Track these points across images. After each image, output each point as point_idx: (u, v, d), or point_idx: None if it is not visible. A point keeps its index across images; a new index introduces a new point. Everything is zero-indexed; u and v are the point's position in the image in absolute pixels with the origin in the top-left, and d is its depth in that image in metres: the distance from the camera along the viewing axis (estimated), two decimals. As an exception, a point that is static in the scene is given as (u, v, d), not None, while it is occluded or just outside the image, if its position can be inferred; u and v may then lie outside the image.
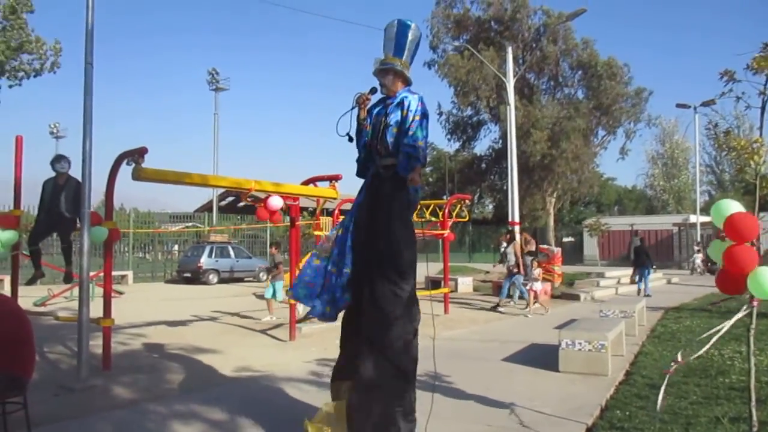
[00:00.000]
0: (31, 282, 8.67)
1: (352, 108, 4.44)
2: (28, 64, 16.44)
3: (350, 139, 4.48)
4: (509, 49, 20.63)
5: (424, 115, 4.33)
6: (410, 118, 4.27)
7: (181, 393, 6.10)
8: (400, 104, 4.34)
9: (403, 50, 4.42)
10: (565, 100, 35.21)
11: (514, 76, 20.42)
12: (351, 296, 4.32)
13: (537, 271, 12.81)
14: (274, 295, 11.83)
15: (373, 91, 4.48)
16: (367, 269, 4.24)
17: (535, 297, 13.11)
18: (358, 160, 4.63)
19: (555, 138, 31.91)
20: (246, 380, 6.64)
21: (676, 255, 34.77)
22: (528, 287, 12.95)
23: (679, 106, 32.16)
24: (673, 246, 35.24)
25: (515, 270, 13.41)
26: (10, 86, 16.37)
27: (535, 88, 35.75)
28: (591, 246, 35.75)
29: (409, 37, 4.43)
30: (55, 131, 57.65)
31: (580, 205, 46.49)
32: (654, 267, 19.52)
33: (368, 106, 4.46)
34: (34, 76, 16.67)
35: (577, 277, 19.07)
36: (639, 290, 17.18)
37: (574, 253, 36.75)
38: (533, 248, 14.81)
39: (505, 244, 14.18)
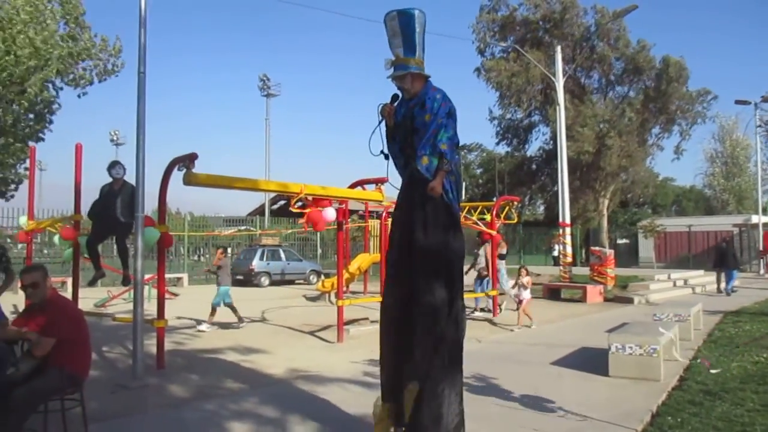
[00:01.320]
0: (92, 283, 9.04)
1: (380, 122, 4.30)
2: (89, 71, 16.93)
3: (386, 157, 4.38)
4: (558, 48, 20.29)
5: (450, 114, 4.14)
6: (435, 121, 4.08)
7: (232, 392, 6.25)
8: (423, 106, 4.15)
9: (414, 46, 4.14)
10: (617, 99, 34.38)
11: (564, 76, 20.08)
12: (393, 301, 4.29)
13: (526, 279, 11.33)
14: (220, 302, 11.00)
15: (395, 98, 4.30)
16: (410, 273, 4.16)
17: (522, 306, 11.38)
18: (398, 167, 4.46)
19: (604, 136, 31.15)
20: (295, 381, 6.74)
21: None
22: (515, 296, 11.63)
23: (738, 102, 30.98)
24: (734, 247, 33.91)
25: (484, 273, 12.84)
26: (79, 96, 16.89)
27: (586, 87, 35.02)
28: (647, 248, 34.74)
29: (417, 29, 4.12)
30: (115, 138, 59.82)
31: (633, 206, 45.24)
32: (740, 268, 20.58)
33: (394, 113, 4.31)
34: (100, 82, 17.13)
35: (631, 280, 18.57)
36: (724, 290, 18.02)
37: (629, 256, 35.81)
38: (504, 251, 13.99)
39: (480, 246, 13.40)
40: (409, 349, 4.13)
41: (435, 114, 4.10)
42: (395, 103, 4.32)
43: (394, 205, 4.61)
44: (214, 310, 10.95)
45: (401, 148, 4.36)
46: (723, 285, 18.34)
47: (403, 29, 4.12)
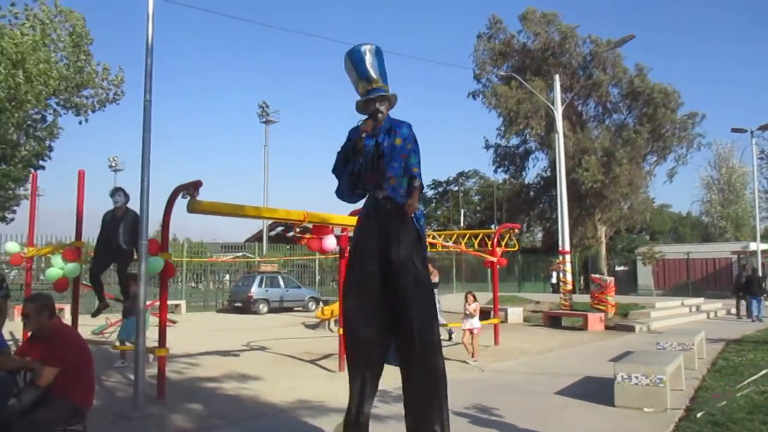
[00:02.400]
0: (96, 313, 8.94)
1: (352, 137, 4.28)
2: (90, 99, 17.03)
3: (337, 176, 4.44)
4: (556, 77, 20.52)
5: (416, 141, 4.33)
6: (404, 146, 4.24)
7: (233, 423, 6.16)
8: (390, 131, 4.27)
9: (385, 76, 4.36)
10: (614, 127, 34.72)
11: (562, 104, 20.27)
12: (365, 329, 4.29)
13: (472, 306, 10.28)
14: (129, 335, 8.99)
15: (372, 118, 4.30)
16: (383, 304, 4.24)
17: (465, 338, 10.48)
18: (341, 189, 4.46)
19: (608, 164, 31.40)
20: (298, 410, 6.66)
21: (736, 284, 33.40)
22: (465, 326, 10.46)
23: (734, 130, 31.20)
24: (733, 275, 33.88)
25: None
26: (80, 123, 17.02)
27: (585, 115, 35.37)
28: (645, 275, 34.72)
29: (384, 62, 4.38)
30: (113, 164, 60.05)
31: (633, 232, 45.32)
32: (766, 295, 21.00)
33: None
34: (100, 109, 17.21)
35: (631, 308, 18.50)
36: (754, 317, 18.46)
37: (627, 283, 35.75)
38: (436, 280, 12.46)
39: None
40: (374, 385, 4.34)
41: (405, 139, 4.27)
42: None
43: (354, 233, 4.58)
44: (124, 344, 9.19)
45: (356, 172, 4.37)
46: (744, 311, 19.06)
47: (375, 60, 4.32)
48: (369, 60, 4.28)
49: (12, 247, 10.57)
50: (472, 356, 10.22)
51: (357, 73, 4.31)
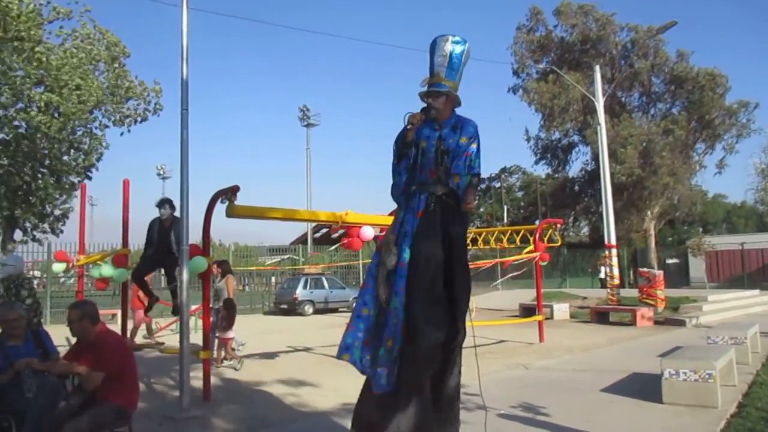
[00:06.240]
0: (148, 309, 9.22)
1: (406, 127, 4.18)
2: (134, 110, 17.62)
3: (398, 161, 4.31)
4: (597, 68, 20.09)
5: (479, 143, 4.22)
6: (470, 145, 4.13)
7: (276, 424, 6.24)
8: (457, 128, 4.19)
9: (456, 72, 4.23)
10: (659, 116, 33.77)
11: (603, 95, 19.85)
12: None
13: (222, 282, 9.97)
14: None
15: (426, 111, 4.22)
16: (443, 301, 4.15)
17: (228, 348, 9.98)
18: (398, 183, 4.33)
19: (647, 155, 30.55)
20: (342, 412, 6.69)
21: (792, 275, 32.13)
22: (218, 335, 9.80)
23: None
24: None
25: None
26: (121, 134, 17.61)
27: (627, 105, 34.52)
28: (698, 268, 33.71)
29: (463, 60, 4.25)
30: (161, 172, 61.58)
31: (684, 224, 44.01)
32: None
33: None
34: (141, 122, 17.79)
35: (682, 302, 17.98)
36: None
37: (679, 276, 34.76)
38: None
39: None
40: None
41: (471, 137, 4.16)
42: (424, 115, 4.24)
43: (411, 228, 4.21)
44: None
45: (413, 166, 4.28)
46: None
47: (453, 56, 4.19)
48: (439, 52, 4.20)
49: (58, 267, 11.10)
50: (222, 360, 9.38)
51: (434, 63, 4.27)
